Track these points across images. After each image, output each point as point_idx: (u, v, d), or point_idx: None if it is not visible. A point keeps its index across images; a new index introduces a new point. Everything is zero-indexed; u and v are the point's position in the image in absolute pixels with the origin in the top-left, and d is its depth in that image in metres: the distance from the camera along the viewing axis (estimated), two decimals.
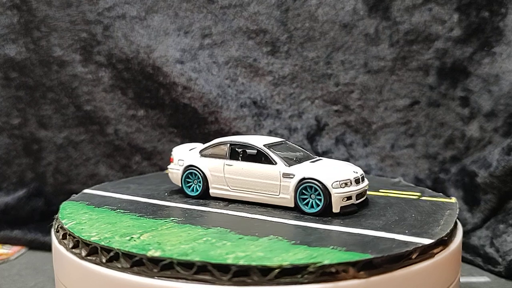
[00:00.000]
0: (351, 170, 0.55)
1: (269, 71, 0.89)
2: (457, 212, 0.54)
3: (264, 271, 0.39)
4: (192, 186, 0.61)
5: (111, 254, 0.43)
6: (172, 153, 0.64)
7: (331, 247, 0.42)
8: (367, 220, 0.51)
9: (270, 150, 0.57)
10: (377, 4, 0.86)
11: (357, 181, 0.54)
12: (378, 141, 0.88)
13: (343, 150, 0.88)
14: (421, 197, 0.60)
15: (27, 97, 0.91)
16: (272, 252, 0.41)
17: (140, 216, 0.53)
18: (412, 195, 0.62)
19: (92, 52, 0.89)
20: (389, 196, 0.61)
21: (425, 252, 0.44)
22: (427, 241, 0.44)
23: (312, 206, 0.53)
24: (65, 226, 0.49)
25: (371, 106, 0.88)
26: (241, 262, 0.39)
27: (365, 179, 0.57)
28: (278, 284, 0.39)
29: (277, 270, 0.39)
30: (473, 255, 0.76)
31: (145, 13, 0.89)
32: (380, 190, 0.64)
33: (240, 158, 0.58)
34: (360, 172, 0.56)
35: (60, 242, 0.50)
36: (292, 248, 0.42)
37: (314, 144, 0.89)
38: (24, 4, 0.88)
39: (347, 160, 0.88)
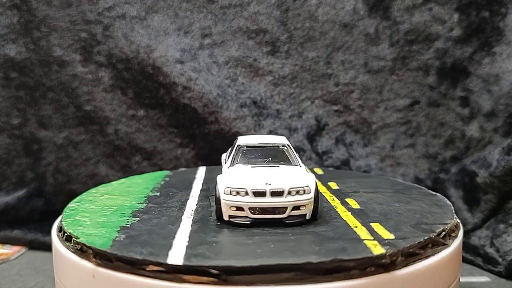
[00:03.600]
0: (265, 182, 0.49)
1: (269, 71, 0.89)
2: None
3: None
4: None
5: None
6: None
7: None
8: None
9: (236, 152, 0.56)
10: (377, 4, 0.86)
11: (260, 194, 0.48)
12: (378, 141, 0.88)
13: (343, 150, 0.88)
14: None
15: (27, 97, 0.91)
16: None
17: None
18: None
19: (92, 52, 0.89)
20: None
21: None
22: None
23: None
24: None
25: (371, 106, 0.88)
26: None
27: (293, 195, 0.49)
28: None
29: None
30: (473, 255, 0.76)
31: (145, 13, 0.89)
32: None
33: None
34: (280, 186, 0.49)
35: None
36: None
37: (314, 144, 0.89)
38: (24, 4, 0.88)
39: (347, 160, 0.88)
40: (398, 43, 0.86)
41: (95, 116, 0.91)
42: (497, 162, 0.75)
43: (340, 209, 0.55)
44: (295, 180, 0.49)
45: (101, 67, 0.90)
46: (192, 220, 0.51)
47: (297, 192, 0.49)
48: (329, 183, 0.67)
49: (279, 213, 0.49)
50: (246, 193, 0.49)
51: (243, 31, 0.89)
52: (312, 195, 0.49)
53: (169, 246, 0.43)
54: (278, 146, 0.57)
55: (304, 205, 0.49)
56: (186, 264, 0.39)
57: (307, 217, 0.50)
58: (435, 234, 0.46)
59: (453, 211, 0.53)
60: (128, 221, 0.51)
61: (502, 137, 0.82)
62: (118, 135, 0.91)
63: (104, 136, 0.92)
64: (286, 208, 0.49)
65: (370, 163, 0.87)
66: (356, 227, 0.48)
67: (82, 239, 0.45)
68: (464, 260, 0.74)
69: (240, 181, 0.49)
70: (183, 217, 0.52)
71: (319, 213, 0.53)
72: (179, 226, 0.49)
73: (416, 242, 0.43)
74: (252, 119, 0.88)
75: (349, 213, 0.53)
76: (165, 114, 0.90)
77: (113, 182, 0.70)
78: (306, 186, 0.49)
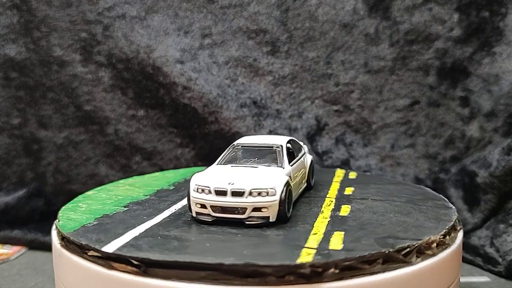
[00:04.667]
0: (228, 181, 0.50)
1: (269, 71, 0.89)
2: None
3: None
4: None
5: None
6: None
7: None
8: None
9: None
10: (377, 4, 0.86)
11: (221, 193, 0.49)
12: (378, 141, 0.88)
13: (343, 150, 0.88)
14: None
15: (27, 97, 0.91)
16: None
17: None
18: None
19: (92, 52, 0.89)
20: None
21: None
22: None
23: None
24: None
25: (371, 106, 0.88)
26: None
27: (255, 196, 0.49)
28: None
29: None
30: (473, 255, 0.76)
31: (145, 13, 0.89)
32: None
33: None
34: (241, 187, 0.49)
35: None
36: None
37: (314, 144, 0.89)
38: (24, 4, 0.88)
39: (347, 160, 0.88)
40: (398, 43, 0.86)
41: (95, 116, 0.91)
42: (497, 162, 0.75)
43: (322, 216, 0.53)
44: (260, 182, 0.49)
45: (101, 67, 0.90)
46: (170, 215, 0.53)
47: (259, 194, 0.49)
48: (346, 188, 0.65)
49: (238, 213, 0.49)
50: (210, 192, 0.49)
51: (243, 31, 0.89)
52: (276, 197, 0.49)
53: (119, 235, 0.46)
54: (272, 147, 0.57)
55: (266, 207, 0.48)
56: (115, 253, 0.42)
57: (270, 220, 0.49)
58: (391, 250, 0.42)
59: (448, 227, 0.48)
60: (115, 210, 0.55)
61: (502, 137, 0.82)
62: (118, 135, 0.91)
63: (104, 136, 0.92)
64: (246, 209, 0.49)
65: (370, 163, 0.87)
66: (315, 234, 0.46)
67: (60, 222, 0.51)
68: (464, 260, 0.74)
69: (207, 179, 0.50)
70: (165, 211, 0.55)
71: (295, 216, 0.52)
72: (151, 218, 0.52)
73: (357, 256, 0.40)
74: (252, 119, 0.88)
75: (327, 220, 0.51)
76: (165, 114, 0.90)
77: (148, 174, 0.74)
78: (271, 188, 0.49)
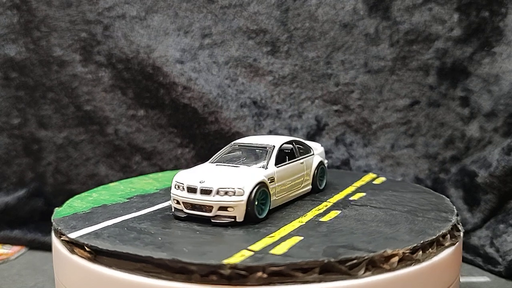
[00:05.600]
0: (200, 179, 0.51)
1: (269, 71, 0.89)
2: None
3: None
4: None
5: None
6: None
7: None
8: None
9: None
10: (377, 4, 0.86)
11: (192, 191, 0.50)
12: (378, 141, 0.88)
13: (343, 150, 0.88)
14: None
15: (27, 97, 0.91)
16: None
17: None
18: None
19: (92, 52, 0.89)
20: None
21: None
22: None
23: None
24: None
25: (371, 106, 0.88)
26: None
27: (222, 195, 0.49)
28: None
29: None
30: (473, 255, 0.76)
31: (145, 13, 0.89)
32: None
33: None
34: (209, 185, 0.50)
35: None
36: None
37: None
38: (24, 4, 0.88)
39: (347, 160, 0.88)
40: (398, 43, 0.86)
41: (95, 116, 0.91)
42: (497, 162, 0.75)
43: (299, 220, 0.52)
44: (229, 181, 0.50)
45: (101, 67, 0.90)
46: (157, 209, 0.56)
47: (226, 193, 0.49)
48: (356, 194, 0.63)
49: (205, 211, 0.50)
50: (183, 188, 0.51)
51: (243, 31, 0.89)
52: (243, 198, 0.49)
53: (94, 224, 0.50)
54: (265, 147, 0.57)
55: (232, 207, 0.49)
56: (75, 239, 0.46)
57: (237, 220, 0.49)
58: (332, 260, 0.40)
59: (423, 242, 0.45)
60: (115, 201, 0.59)
61: (502, 137, 0.82)
62: (118, 135, 0.91)
63: (104, 136, 0.92)
64: (212, 207, 0.49)
65: (370, 163, 0.87)
66: (272, 237, 0.46)
67: (59, 209, 0.56)
68: (464, 260, 0.74)
69: (185, 176, 0.52)
70: (158, 205, 0.58)
71: (273, 218, 0.52)
72: (138, 211, 0.55)
73: (287, 262, 0.39)
74: (252, 119, 0.88)
75: (300, 224, 0.50)
76: (165, 114, 0.90)
77: (178, 171, 0.76)
78: (238, 188, 0.49)
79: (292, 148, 0.60)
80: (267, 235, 0.47)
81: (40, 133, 0.92)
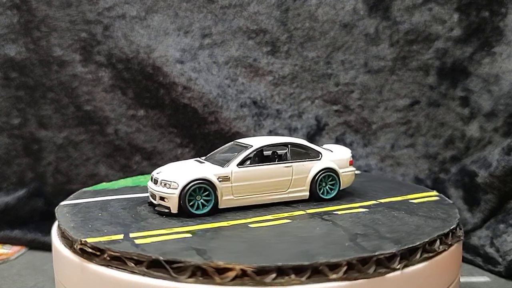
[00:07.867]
0: (159, 171, 0.56)
1: (269, 71, 0.89)
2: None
3: None
4: None
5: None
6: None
7: None
8: None
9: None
10: (377, 4, 0.86)
11: (152, 180, 0.55)
12: (378, 141, 0.88)
13: None
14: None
15: (27, 97, 0.91)
16: None
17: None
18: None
19: (92, 52, 0.89)
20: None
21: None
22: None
23: None
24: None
25: (371, 106, 0.88)
26: None
27: (162, 186, 0.53)
28: None
29: None
30: (473, 255, 0.76)
31: (145, 13, 0.89)
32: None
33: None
34: (157, 176, 0.54)
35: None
36: None
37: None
38: (24, 4, 0.88)
39: None
40: (398, 43, 0.86)
41: (95, 116, 0.91)
42: (497, 162, 0.75)
43: (235, 222, 0.50)
44: (171, 175, 0.54)
45: (101, 67, 0.90)
46: (146, 202, 0.58)
47: (165, 185, 0.53)
48: (358, 208, 0.55)
49: (154, 199, 0.54)
50: (152, 180, 0.56)
51: (243, 31, 0.89)
52: (176, 191, 0.52)
53: (80, 198, 0.59)
54: (247, 147, 0.57)
55: (167, 198, 0.53)
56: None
57: (172, 211, 0.52)
58: (155, 257, 0.40)
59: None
60: (120, 186, 0.65)
61: (502, 137, 0.82)
62: (118, 135, 0.91)
63: (104, 136, 0.92)
64: (156, 196, 0.54)
65: (370, 163, 0.87)
66: (171, 229, 0.48)
67: (71, 196, 0.62)
68: (464, 260, 0.74)
69: (161, 168, 0.57)
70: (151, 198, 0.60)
71: (215, 216, 0.52)
72: (126, 194, 0.61)
73: (121, 250, 0.42)
74: (252, 119, 0.88)
75: (220, 226, 0.49)
76: (165, 114, 0.90)
77: None
78: (173, 182, 0.52)
79: (275, 151, 0.59)
80: (170, 228, 0.49)
81: (40, 133, 0.92)
